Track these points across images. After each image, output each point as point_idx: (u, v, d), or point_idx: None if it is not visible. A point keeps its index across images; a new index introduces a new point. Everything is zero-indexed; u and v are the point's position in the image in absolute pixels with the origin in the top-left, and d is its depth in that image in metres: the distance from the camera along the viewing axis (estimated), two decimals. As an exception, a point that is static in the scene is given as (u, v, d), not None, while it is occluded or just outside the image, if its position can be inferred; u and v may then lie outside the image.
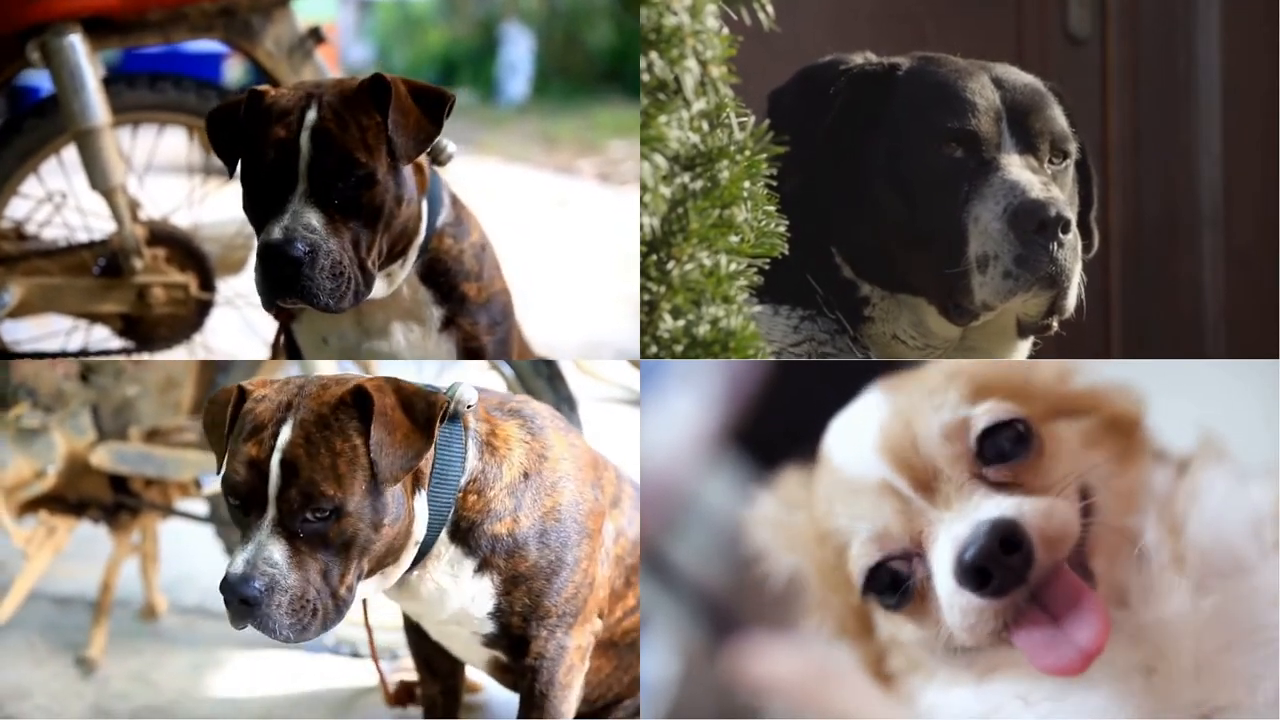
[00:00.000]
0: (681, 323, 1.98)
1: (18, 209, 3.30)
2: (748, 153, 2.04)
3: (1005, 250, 2.29)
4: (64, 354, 3.35)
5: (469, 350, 2.42)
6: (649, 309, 1.96)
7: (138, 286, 3.20)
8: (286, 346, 2.52)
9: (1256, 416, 2.15)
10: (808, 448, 1.97)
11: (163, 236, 3.23)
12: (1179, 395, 2.15)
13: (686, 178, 1.98)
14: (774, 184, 2.10)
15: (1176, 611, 1.79)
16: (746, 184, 2.03)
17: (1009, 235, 2.28)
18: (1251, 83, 3.63)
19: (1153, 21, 3.63)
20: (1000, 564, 1.72)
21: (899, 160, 2.39)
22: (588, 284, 6.02)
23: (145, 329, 3.27)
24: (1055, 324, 2.38)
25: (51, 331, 3.44)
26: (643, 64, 1.95)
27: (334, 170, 2.13)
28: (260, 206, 2.16)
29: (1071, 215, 2.31)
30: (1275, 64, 3.60)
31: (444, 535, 2.08)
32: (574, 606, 2.17)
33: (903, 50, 2.55)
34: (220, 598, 1.89)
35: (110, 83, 3.11)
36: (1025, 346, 2.48)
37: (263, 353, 3.49)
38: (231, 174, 2.23)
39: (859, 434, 1.88)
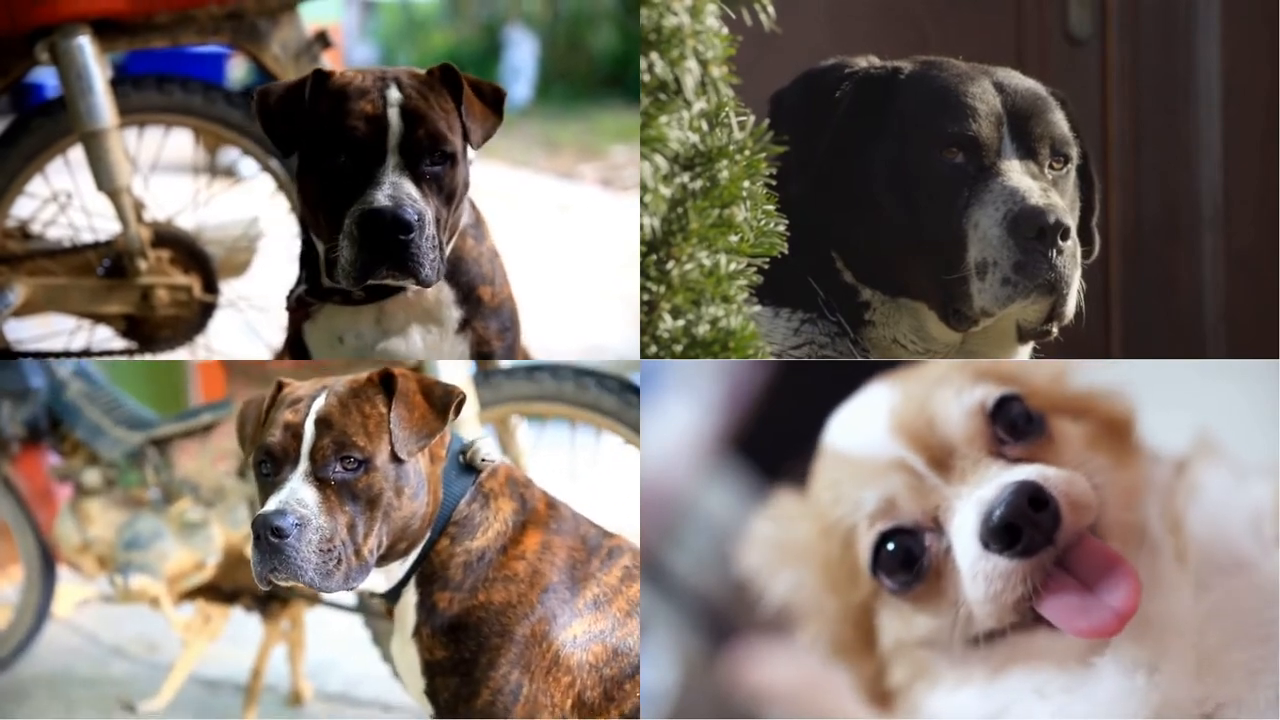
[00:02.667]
0: (681, 322, 1.97)
1: (23, 208, 3.30)
2: (747, 152, 2.04)
3: (1004, 257, 2.29)
4: (66, 354, 3.36)
5: (481, 354, 2.42)
6: (649, 309, 1.96)
7: (141, 288, 3.20)
8: (291, 347, 2.52)
9: (1257, 416, 2.15)
10: (808, 456, 1.97)
11: (167, 238, 3.23)
12: (1179, 396, 2.15)
13: (686, 178, 1.98)
14: (774, 185, 2.10)
15: (1179, 607, 1.79)
16: (746, 184, 2.02)
17: (1008, 242, 2.28)
18: (1251, 83, 3.62)
19: (1153, 21, 3.63)
20: (1029, 521, 1.71)
21: (900, 165, 2.39)
22: (589, 289, 6.01)
23: (148, 330, 3.27)
24: (1055, 330, 2.38)
25: (54, 331, 3.44)
26: (643, 65, 1.95)
27: (424, 147, 2.16)
28: (337, 181, 2.16)
29: (1071, 222, 2.31)
30: (1275, 64, 3.60)
31: (414, 577, 2.09)
32: (493, 714, 2.07)
33: (903, 51, 2.55)
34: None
35: (117, 84, 3.12)
36: (1025, 351, 2.48)
37: (264, 355, 3.50)
38: (287, 154, 2.24)
39: (868, 419, 1.88)
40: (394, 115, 2.15)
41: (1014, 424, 1.83)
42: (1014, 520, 1.71)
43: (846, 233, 2.44)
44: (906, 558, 1.81)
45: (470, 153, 2.39)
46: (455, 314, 2.38)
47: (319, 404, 2.00)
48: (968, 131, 2.35)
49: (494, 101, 2.26)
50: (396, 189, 2.12)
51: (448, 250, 2.30)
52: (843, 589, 1.91)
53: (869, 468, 1.85)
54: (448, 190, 2.19)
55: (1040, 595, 1.74)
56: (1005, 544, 1.72)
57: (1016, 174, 2.34)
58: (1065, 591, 1.73)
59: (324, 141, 2.18)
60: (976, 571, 1.75)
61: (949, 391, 1.85)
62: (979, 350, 2.44)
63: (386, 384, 2.03)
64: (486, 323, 2.41)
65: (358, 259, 2.14)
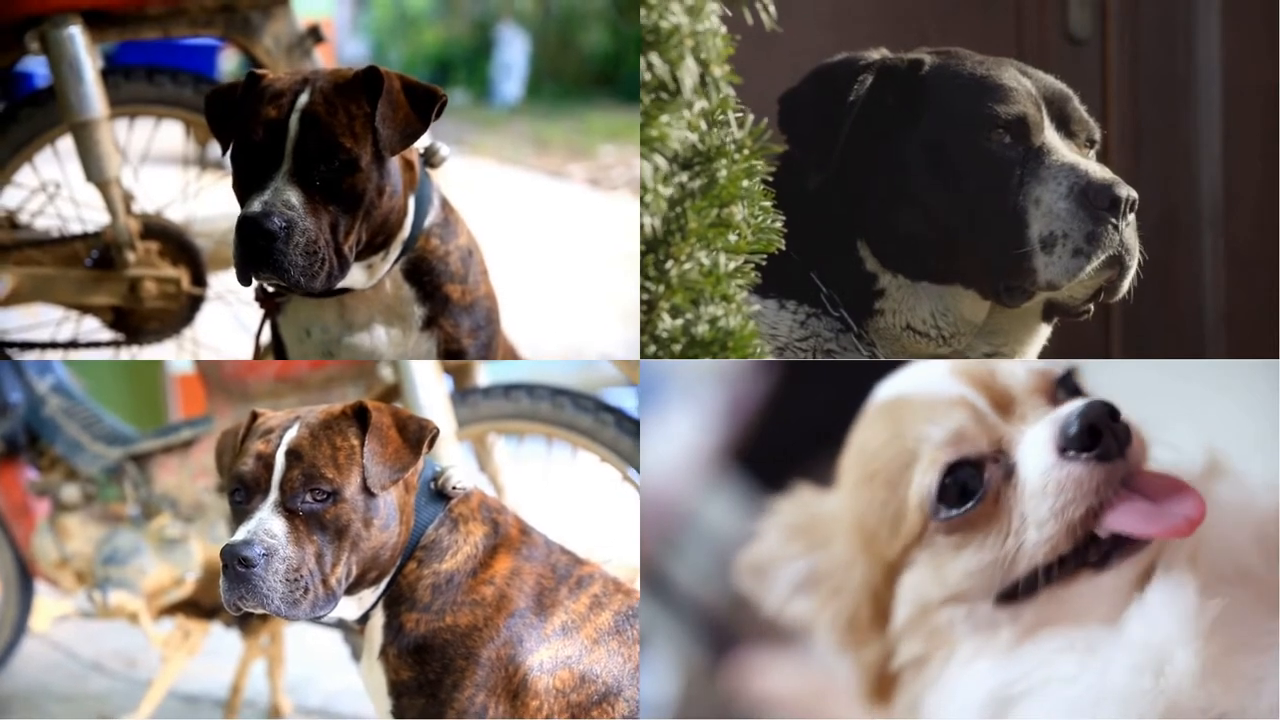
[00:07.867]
0: (680, 322, 1.98)
1: (11, 198, 3.29)
2: (746, 152, 2.04)
3: (1075, 229, 2.31)
4: (53, 344, 3.34)
5: (449, 352, 2.42)
6: (648, 308, 1.97)
7: (129, 279, 3.19)
8: (272, 345, 2.51)
9: (1257, 418, 2.15)
10: (810, 465, 1.97)
11: (156, 230, 3.22)
12: (1180, 397, 2.15)
13: (685, 177, 1.98)
14: (785, 180, 2.09)
15: (1185, 611, 1.79)
16: (745, 182, 2.03)
17: (1078, 214, 2.31)
18: (1251, 83, 3.63)
19: (1153, 21, 3.63)
20: (1109, 427, 1.75)
21: (942, 151, 2.39)
22: (576, 288, 6.02)
23: (136, 322, 3.26)
24: (1092, 309, 2.43)
25: (41, 322, 3.43)
26: (642, 64, 1.95)
27: (318, 152, 2.15)
28: (246, 184, 2.19)
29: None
30: (1275, 64, 3.61)
31: (383, 600, 2.11)
32: None
33: (904, 50, 2.54)
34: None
35: (107, 75, 3.11)
36: (1047, 330, 2.51)
37: (252, 349, 3.48)
38: (224, 152, 2.25)
39: (928, 370, 1.90)
40: (294, 121, 2.16)
41: (1078, 392, 1.86)
42: (1095, 423, 1.74)
43: (877, 222, 2.44)
44: (964, 490, 1.82)
45: (444, 150, 2.39)
46: (418, 311, 2.38)
47: (290, 435, 2.03)
48: (1015, 112, 2.37)
49: (423, 106, 2.23)
50: (275, 196, 2.14)
51: (395, 249, 2.30)
52: (880, 541, 1.89)
53: (931, 404, 1.86)
54: (349, 196, 2.18)
55: (1110, 508, 1.76)
56: (1086, 445, 1.75)
57: (1063, 151, 2.37)
58: (1133, 504, 1.76)
59: (238, 143, 2.21)
60: (1048, 481, 1.77)
61: (1013, 362, 1.89)
62: (1002, 329, 2.47)
63: (360, 417, 2.06)
64: (456, 321, 2.41)
65: (236, 259, 2.18)
